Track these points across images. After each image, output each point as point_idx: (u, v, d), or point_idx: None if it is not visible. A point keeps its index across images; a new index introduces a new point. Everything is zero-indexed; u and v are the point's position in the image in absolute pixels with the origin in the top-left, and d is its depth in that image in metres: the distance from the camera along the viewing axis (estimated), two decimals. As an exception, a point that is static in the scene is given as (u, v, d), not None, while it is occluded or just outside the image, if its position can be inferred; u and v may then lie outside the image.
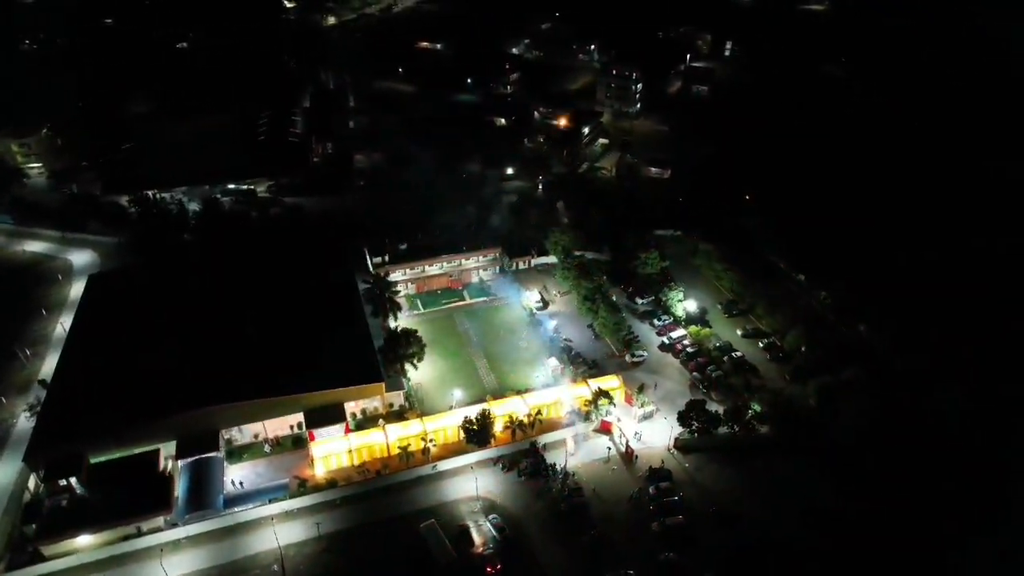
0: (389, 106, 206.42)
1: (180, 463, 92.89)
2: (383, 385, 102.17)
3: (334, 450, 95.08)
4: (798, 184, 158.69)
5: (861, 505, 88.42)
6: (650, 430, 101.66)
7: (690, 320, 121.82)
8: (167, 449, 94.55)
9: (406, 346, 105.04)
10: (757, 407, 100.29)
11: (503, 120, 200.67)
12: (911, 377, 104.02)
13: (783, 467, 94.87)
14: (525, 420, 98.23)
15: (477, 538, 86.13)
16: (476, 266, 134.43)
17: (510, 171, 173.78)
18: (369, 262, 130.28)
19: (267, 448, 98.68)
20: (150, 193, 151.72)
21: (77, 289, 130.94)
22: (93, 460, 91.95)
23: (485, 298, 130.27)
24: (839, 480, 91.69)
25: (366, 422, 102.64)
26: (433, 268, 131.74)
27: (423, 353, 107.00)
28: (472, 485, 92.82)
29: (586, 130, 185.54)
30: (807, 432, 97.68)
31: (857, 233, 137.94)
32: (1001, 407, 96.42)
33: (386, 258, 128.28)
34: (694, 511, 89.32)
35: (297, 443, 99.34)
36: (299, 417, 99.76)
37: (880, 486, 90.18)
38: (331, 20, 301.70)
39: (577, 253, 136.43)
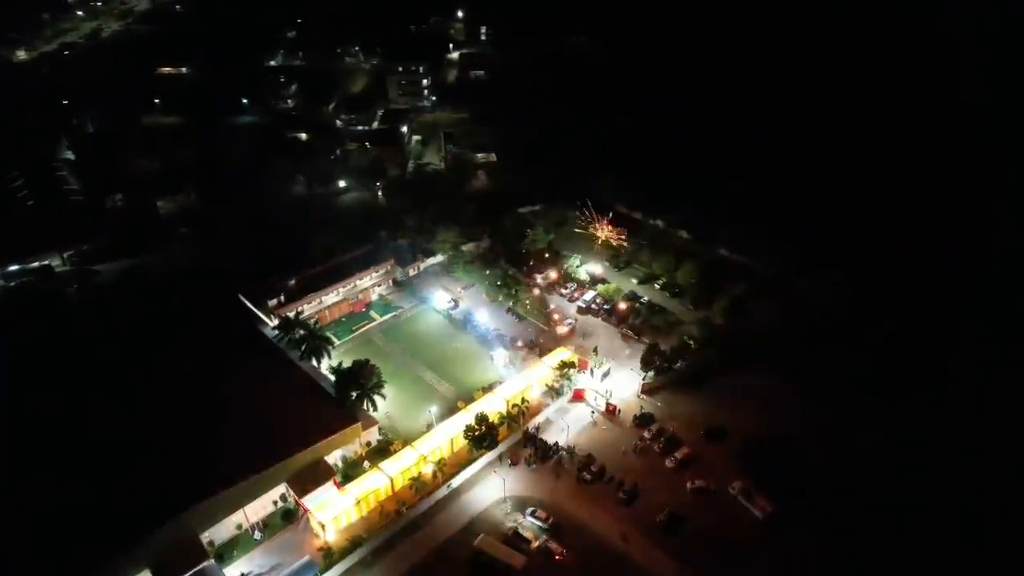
0: (170, 142, 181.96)
1: (168, 589, 77.20)
2: (359, 426, 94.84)
3: (341, 508, 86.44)
4: (616, 141, 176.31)
5: (813, 390, 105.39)
6: (611, 385, 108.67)
7: (594, 281, 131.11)
8: (140, 581, 78.03)
9: (367, 378, 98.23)
10: (696, 334, 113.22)
11: (304, 135, 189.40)
12: (788, 276, 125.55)
13: (733, 378, 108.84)
14: (514, 412, 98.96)
15: (528, 534, 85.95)
16: (372, 283, 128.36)
17: (343, 184, 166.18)
18: (253, 308, 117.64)
19: (257, 535, 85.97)
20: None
21: None
22: (50, 630, 72.35)
23: (394, 312, 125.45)
24: (782, 374, 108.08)
25: (349, 469, 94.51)
26: (331, 296, 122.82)
27: (382, 381, 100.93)
28: (491, 490, 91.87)
29: (404, 129, 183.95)
30: (736, 344, 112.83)
31: (683, 170, 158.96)
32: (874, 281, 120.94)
33: (282, 298, 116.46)
34: (688, 438, 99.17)
35: (287, 517, 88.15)
36: (280, 489, 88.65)
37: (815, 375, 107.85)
38: (22, 55, 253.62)
39: (464, 247, 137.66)
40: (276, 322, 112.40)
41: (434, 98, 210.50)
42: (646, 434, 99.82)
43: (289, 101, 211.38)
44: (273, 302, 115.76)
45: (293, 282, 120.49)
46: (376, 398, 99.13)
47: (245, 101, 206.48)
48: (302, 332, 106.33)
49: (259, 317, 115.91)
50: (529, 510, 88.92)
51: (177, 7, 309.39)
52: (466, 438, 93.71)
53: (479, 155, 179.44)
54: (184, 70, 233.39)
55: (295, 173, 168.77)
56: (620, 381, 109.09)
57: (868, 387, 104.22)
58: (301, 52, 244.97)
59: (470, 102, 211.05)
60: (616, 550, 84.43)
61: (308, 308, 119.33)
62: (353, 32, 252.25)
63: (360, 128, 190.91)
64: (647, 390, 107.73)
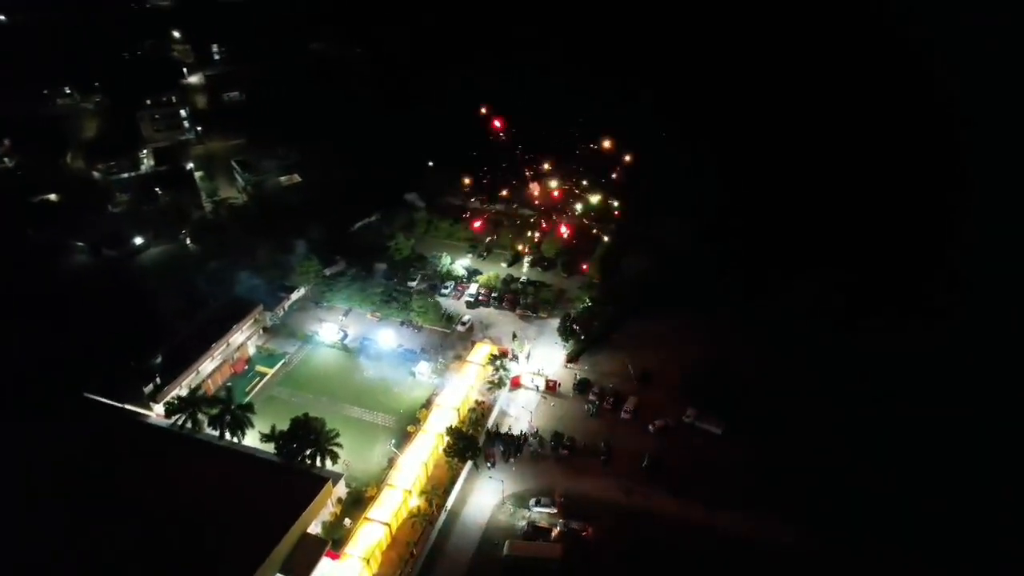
0: None
1: None
2: (330, 483, 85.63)
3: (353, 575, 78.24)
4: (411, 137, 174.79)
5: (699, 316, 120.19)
6: (537, 363, 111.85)
7: (471, 275, 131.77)
8: None
9: (320, 433, 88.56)
10: (595, 295, 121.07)
11: (55, 196, 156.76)
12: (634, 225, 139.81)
13: (633, 326, 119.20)
14: (474, 417, 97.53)
15: (545, 524, 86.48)
16: (245, 337, 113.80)
17: (140, 240, 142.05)
18: (117, 403, 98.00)
19: (267, 644, 74.07)
20: None
21: None
22: None
23: (282, 361, 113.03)
24: (670, 310, 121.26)
25: (330, 532, 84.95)
26: (206, 364, 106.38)
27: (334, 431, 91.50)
28: (485, 497, 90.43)
29: (191, 166, 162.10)
30: (622, 294, 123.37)
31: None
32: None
33: (158, 380, 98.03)
34: (626, 389, 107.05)
35: (292, 610, 77.12)
36: (276, 583, 77.13)
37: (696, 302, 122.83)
38: None
39: (327, 273, 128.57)
40: (162, 409, 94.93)
41: (199, 128, 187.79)
42: (591, 397, 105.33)
43: (6, 160, 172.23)
44: (149, 387, 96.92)
45: (159, 359, 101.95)
46: (333, 449, 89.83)
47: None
48: (214, 410, 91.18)
49: (133, 411, 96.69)
50: (532, 501, 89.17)
51: None
52: (450, 456, 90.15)
53: (282, 178, 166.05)
54: None
55: (66, 241, 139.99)
56: (543, 358, 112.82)
57: (740, 300, 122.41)
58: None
59: (238, 126, 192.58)
60: (624, 506, 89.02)
61: (187, 382, 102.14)
62: (46, 67, 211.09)
63: (127, 175, 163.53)
64: (571, 359, 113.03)
